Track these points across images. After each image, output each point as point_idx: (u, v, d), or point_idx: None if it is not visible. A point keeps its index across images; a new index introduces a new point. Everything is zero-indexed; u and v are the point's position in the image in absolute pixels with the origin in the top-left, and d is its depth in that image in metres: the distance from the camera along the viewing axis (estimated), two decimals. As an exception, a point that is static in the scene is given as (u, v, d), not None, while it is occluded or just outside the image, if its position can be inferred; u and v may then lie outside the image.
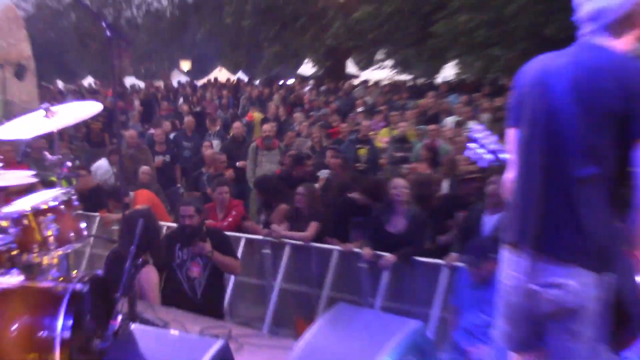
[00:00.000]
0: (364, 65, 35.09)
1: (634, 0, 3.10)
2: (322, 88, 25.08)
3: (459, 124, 13.33)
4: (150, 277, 6.46)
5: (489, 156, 3.83)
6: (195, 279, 7.00)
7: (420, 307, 7.01)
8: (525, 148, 3.24)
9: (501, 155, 3.80)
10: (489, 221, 7.03)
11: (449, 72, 30.94)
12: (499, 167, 3.81)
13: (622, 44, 3.15)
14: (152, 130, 14.80)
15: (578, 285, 3.07)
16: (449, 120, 14.39)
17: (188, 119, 14.97)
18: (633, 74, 3.05)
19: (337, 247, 7.96)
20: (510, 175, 3.39)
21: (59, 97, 23.42)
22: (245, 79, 32.32)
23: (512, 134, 3.36)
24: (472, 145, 3.93)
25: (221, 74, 34.14)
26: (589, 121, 3.05)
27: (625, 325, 3.14)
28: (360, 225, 8.11)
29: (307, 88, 25.33)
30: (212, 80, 31.33)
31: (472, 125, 4.26)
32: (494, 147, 3.84)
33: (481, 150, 3.85)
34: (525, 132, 3.25)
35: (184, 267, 7.00)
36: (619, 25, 3.13)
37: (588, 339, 3.12)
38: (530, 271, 3.17)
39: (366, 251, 7.62)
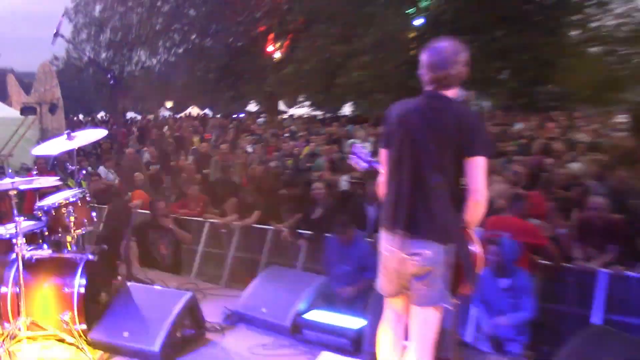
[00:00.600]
0: (291, 104, 35.21)
1: (458, 63, 3.15)
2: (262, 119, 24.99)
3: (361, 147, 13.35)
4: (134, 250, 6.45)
5: (364, 164, 3.87)
6: (164, 253, 7.02)
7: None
8: (398, 164, 3.25)
9: (374, 164, 3.85)
10: (370, 208, 7.08)
11: (347, 109, 31.24)
12: (373, 171, 3.85)
13: (452, 93, 3.21)
14: (145, 149, 14.55)
15: (432, 253, 3.12)
16: (348, 142, 14.50)
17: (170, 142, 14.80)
18: (465, 114, 3.13)
19: (271, 227, 7.93)
20: (381, 180, 3.41)
21: (79, 126, 22.85)
22: (210, 113, 32.09)
23: (383, 152, 3.37)
24: (352, 156, 3.97)
25: (193, 110, 33.81)
26: (437, 146, 3.10)
27: (462, 278, 3.18)
28: (291, 211, 8.08)
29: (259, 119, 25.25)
30: (188, 114, 30.97)
31: (354, 142, 4.32)
32: (368, 159, 3.88)
33: (359, 160, 3.89)
34: (396, 153, 3.26)
35: (156, 244, 7.01)
36: (449, 80, 3.17)
37: (439, 287, 3.17)
38: (401, 245, 3.19)
39: (284, 234, 7.60)
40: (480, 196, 3.08)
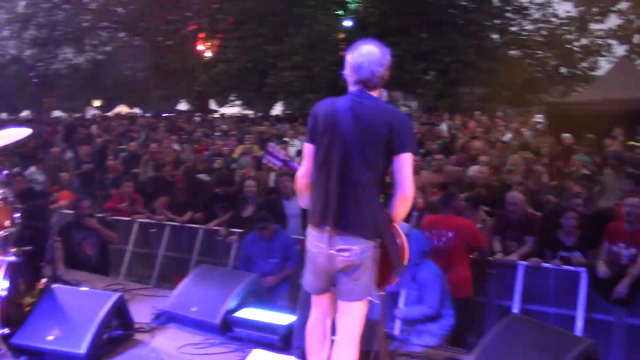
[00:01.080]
0: (222, 103, 34.89)
1: (381, 65, 3.20)
2: (194, 119, 24.63)
3: (284, 142, 13.33)
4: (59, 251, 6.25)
5: (279, 163, 3.88)
6: (90, 254, 6.86)
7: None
8: (325, 161, 3.24)
9: (290, 163, 3.86)
10: (287, 204, 7.18)
11: (278, 109, 31.23)
12: (289, 170, 3.87)
13: (376, 92, 3.27)
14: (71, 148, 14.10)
15: (359, 249, 3.15)
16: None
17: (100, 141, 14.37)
18: (392, 113, 3.18)
19: (202, 227, 7.85)
20: (300, 174, 3.41)
21: (2, 125, 21.89)
22: (139, 112, 31.46)
23: (307, 147, 3.38)
24: (267, 156, 3.98)
25: (122, 109, 33.01)
26: (366, 143, 3.13)
27: (389, 271, 3.23)
28: (223, 210, 8.01)
29: (195, 118, 24.82)
30: (116, 113, 30.23)
31: (270, 144, 4.32)
32: (283, 158, 3.89)
33: (274, 159, 3.90)
34: (323, 150, 3.26)
35: (81, 245, 6.84)
36: (373, 81, 3.22)
37: (365, 282, 3.21)
38: (329, 241, 3.20)
39: (222, 230, 7.54)
40: (408, 191, 3.14)
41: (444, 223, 5.95)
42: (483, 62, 24.76)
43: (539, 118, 17.89)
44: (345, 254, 3.17)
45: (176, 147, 13.60)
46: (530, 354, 3.56)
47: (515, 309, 5.94)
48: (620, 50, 28.64)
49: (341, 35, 24.94)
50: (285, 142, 12.91)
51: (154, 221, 8.32)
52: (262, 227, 6.30)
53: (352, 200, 3.16)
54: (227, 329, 4.66)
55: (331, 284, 3.33)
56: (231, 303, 4.76)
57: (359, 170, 3.14)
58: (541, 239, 6.24)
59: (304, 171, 3.39)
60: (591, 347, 3.43)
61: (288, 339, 4.38)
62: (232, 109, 33.30)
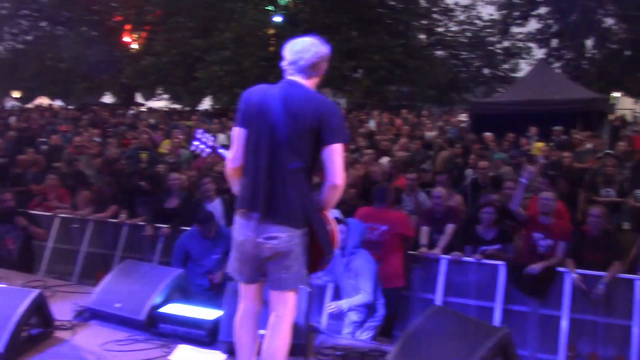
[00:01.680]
0: (149, 96, 34.15)
1: (318, 55, 3.23)
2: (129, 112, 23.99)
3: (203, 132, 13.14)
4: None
5: (208, 150, 3.85)
6: (11, 248, 6.59)
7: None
8: (255, 149, 3.24)
9: (219, 151, 3.84)
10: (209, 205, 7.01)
11: (207, 103, 30.84)
12: (218, 158, 3.85)
13: (311, 83, 3.28)
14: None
15: (287, 237, 3.15)
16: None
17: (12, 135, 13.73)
18: (322, 103, 3.18)
19: (127, 221, 7.67)
20: (230, 160, 3.38)
21: None
22: (61, 104, 30.40)
23: (237, 131, 3.34)
24: (195, 142, 3.94)
25: (44, 100, 31.77)
26: (296, 132, 3.14)
27: (319, 259, 3.26)
28: (146, 204, 7.86)
29: (131, 112, 24.11)
30: (36, 105, 29.07)
31: (197, 129, 4.23)
32: (211, 144, 3.86)
33: (202, 146, 3.86)
34: (253, 138, 3.25)
35: (3, 239, 6.57)
36: (308, 70, 3.25)
37: (295, 271, 3.21)
38: (256, 229, 3.20)
39: (148, 228, 7.39)
40: (338, 180, 3.17)
41: (377, 216, 6.06)
42: (410, 61, 25.27)
43: (463, 117, 18.41)
44: (274, 241, 3.16)
45: (97, 139, 13.24)
46: (450, 343, 3.67)
47: (438, 302, 6.11)
48: (539, 53, 29.85)
49: (271, 31, 24.92)
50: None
51: (76, 216, 8.07)
52: (207, 228, 6.19)
53: (280, 188, 3.16)
54: (153, 325, 4.58)
55: (260, 273, 3.32)
56: (156, 299, 4.68)
57: (288, 158, 3.14)
58: (462, 233, 6.44)
59: (232, 156, 3.36)
60: (506, 336, 3.57)
61: (214, 334, 4.35)
62: (160, 103, 32.66)
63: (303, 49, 3.23)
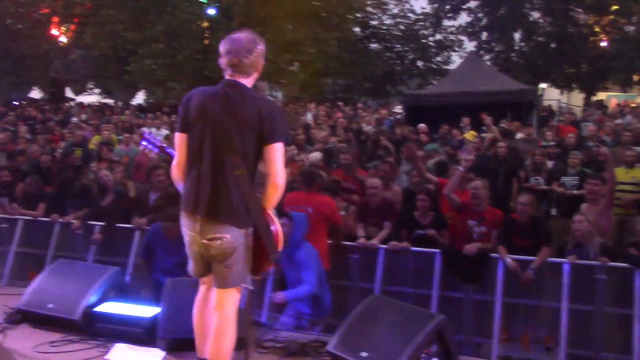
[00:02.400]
0: (79, 91, 33.14)
1: (256, 53, 3.25)
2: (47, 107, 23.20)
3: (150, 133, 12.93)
4: None
5: (155, 149, 3.82)
6: None
7: (121, 258, 6.76)
8: (198, 150, 3.23)
9: (168, 150, 3.81)
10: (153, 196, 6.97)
11: (141, 97, 30.24)
12: (166, 157, 3.82)
13: (250, 81, 3.29)
14: None
15: (231, 238, 3.18)
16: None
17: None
18: (262, 102, 3.21)
19: (59, 220, 7.45)
20: (175, 165, 3.39)
21: None
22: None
23: (178, 136, 3.35)
24: (144, 142, 3.90)
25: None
26: (237, 133, 3.15)
27: (264, 257, 3.27)
28: (78, 203, 7.63)
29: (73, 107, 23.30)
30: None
31: (145, 129, 4.20)
32: (159, 144, 3.83)
33: (150, 145, 3.82)
34: (195, 141, 3.25)
35: None
36: (248, 69, 3.25)
37: (238, 269, 3.24)
38: (201, 230, 3.22)
39: (76, 224, 7.19)
40: (279, 180, 3.21)
41: (304, 199, 6.11)
42: (346, 54, 25.43)
43: (398, 109, 18.67)
44: (217, 242, 3.19)
45: (28, 136, 12.80)
46: (389, 331, 3.75)
47: (377, 291, 6.19)
48: (470, 45, 30.55)
49: (205, 24, 24.57)
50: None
51: (4, 215, 7.78)
52: (168, 227, 6.03)
53: (223, 190, 3.17)
54: (88, 325, 4.48)
55: (208, 269, 3.37)
56: (91, 298, 4.58)
57: (230, 160, 3.16)
58: (399, 219, 6.56)
59: (177, 161, 3.37)
60: (442, 322, 3.68)
61: (153, 332, 4.29)
62: (91, 98, 31.76)
63: (241, 47, 3.23)
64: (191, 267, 3.44)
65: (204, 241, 3.22)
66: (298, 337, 4.49)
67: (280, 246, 3.34)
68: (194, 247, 3.32)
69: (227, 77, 3.28)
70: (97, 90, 32.05)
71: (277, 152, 3.19)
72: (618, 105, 21.32)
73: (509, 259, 5.86)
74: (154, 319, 4.36)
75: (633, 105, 20.29)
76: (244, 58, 3.22)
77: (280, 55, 23.90)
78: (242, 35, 3.26)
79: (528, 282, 5.79)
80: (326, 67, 25.35)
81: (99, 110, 22.48)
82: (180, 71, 22.39)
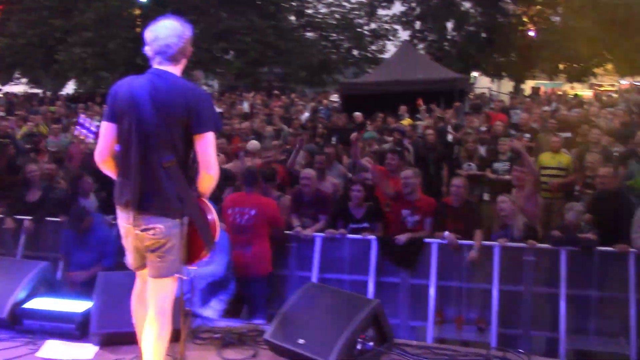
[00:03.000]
0: (5, 81, 31.82)
1: (183, 40, 3.17)
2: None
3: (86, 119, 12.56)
4: None
5: (91, 135, 3.74)
6: None
7: (52, 253, 6.55)
8: (126, 143, 3.17)
9: None
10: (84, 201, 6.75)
11: (71, 87, 29.30)
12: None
13: (178, 69, 3.23)
14: None
15: (164, 228, 3.14)
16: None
17: None
18: (191, 92, 3.14)
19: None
20: (97, 153, 3.30)
21: None
22: None
23: (105, 125, 3.26)
24: (79, 127, 3.81)
25: None
26: (165, 124, 3.09)
27: (199, 246, 3.23)
28: (4, 196, 7.36)
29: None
30: None
31: (82, 115, 4.09)
32: (95, 129, 3.75)
33: (84, 131, 3.74)
34: (123, 132, 3.18)
35: None
36: (175, 57, 3.19)
37: (172, 259, 3.20)
38: (134, 221, 3.17)
39: (8, 221, 6.89)
40: (211, 170, 3.16)
41: (246, 200, 6.05)
42: (281, 43, 25.34)
43: (334, 98, 18.78)
44: (150, 232, 3.16)
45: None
46: (325, 318, 3.78)
47: (314, 279, 6.23)
48: (404, 35, 30.97)
49: (137, 11, 24.00)
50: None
51: None
52: (76, 223, 5.92)
53: (153, 181, 3.13)
54: (17, 322, 4.34)
55: (145, 261, 3.32)
56: (20, 294, 4.43)
57: (160, 151, 3.10)
58: (335, 211, 6.60)
59: (99, 149, 3.29)
60: (377, 307, 3.73)
61: (85, 327, 4.19)
62: (18, 87, 30.56)
63: (167, 35, 3.16)
64: (129, 259, 3.40)
65: (138, 232, 3.18)
66: (235, 327, 4.47)
67: (217, 235, 3.30)
68: (130, 239, 3.28)
69: (154, 65, 3.21)
70: (24, 80, 30.86)
71: (206, 142, 3.13)
72: (545, 93, 22.14)
73: (447, 232, 6.00)
74: (85, 314, 4.26)
75: (559, 92, 21.08)
76: (172, 46, 3.16)
77: (215, 44, 23.65)
78: (168, 23, 3.19)
79: (472, 261, 5.92)
80: (262, 55, 25.18)
81: (27, 100, 21.65)
82: (111, 60, 21.84)
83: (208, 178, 3.19)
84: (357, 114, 12.44)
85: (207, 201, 3.28)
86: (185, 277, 3.33)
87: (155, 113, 3.09)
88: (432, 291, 6.00)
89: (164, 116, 3.09)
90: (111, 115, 3.24)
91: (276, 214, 6.12)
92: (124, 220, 3.25)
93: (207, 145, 3.14)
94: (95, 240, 5.99)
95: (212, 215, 3.26)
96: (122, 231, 3.31)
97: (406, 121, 11.64)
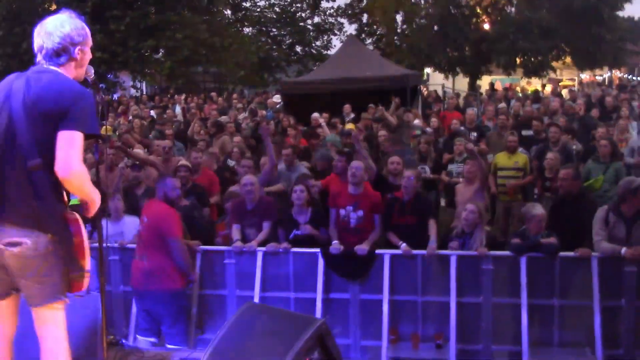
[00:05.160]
0: None
1: (61, 41, 3.07)
2: None
3: None
4: None
5: None
6: None
7: None
8: None
9: None
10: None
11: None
12: None
13: (64, 70, 3.12)
14: None
15: (32, 243, 2.96)
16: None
17: None
18: (67, 88, 3.03)
19: None
20: None
21: None
22: None
23: None
24: None
25: None
26: (34, 123, 2.97)
27: (67, 273, 3.07)
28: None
29: None
30: None
31: None
32: None
33: None
34: None
35: None
36: (57, 55, 3.09)
37: (49, 282, 3.02)
38: None
39: None
40: (66, 172, 2.94)
41: (146, 207, 6.01)
42: (216, 39, 25.16)
43: (277, 98, 18.73)
44: (16, 249, 2.97)
45: None
46: (265, 341, 3.72)
47: (256, 298, 6.16)
48: (350, 29, 31.25)
49: (53, 7, 23.46)
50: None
51: None
52: None
53: (18, 187, 2.98)
54: None
55: (9, 285, 3.11)
56: None
57: (26, 152, 2.97)
58: (278, 219, 6.56)
59: None
60: (322, 326, 3.69)
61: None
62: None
63: (46, 33, 3.07)
64: None
65: (0, 246, 2.99)
66: (165, 354, 4.38)
67: (86, 262, 3.11)
68: None
69: (36, 63, 3.12)
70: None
71: (66, 139, 2.94)
72: (505, 89, 22.64)
73: (403, 243, 6.07)
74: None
75: (517, 88, 21.62)
76: (51, 44, 3.07)
77: (143, 42, 23.29)
78: (56, 18, 3.10)
79: (431, 256, 6.00)
80: (195, 53, 24.94)
81: None
82: (25, 60, 21.21)
83: (64, 182, 2.98)
84: (315, 115, 12.31)
85: (78, 217, 3.11)
86: (67, 301, 3.10)
87: (25, 108, 2.97)
88: (385, 307, 6.02)
89: (34, 112, 2.97)
90: None
91: (168, 224, 5.77)
92: None
93: (66, 143, 2.94)
94: None
95: (79, 237, 3.09)
96: None
97: (350, 125, 11.67)
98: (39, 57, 3.11)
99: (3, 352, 3.20)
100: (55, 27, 3.07)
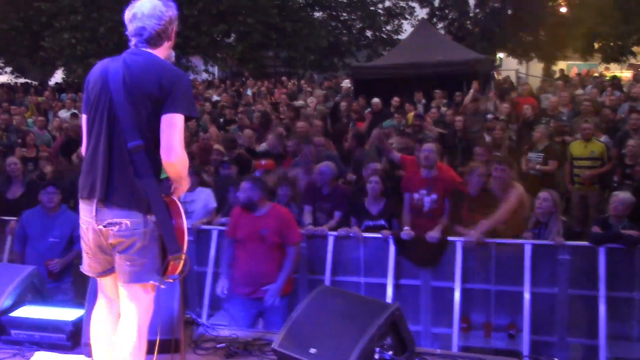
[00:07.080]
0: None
1: (163, 21, 3.13)
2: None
3: (74, 116, 12.58)
4: None
5: None
6: None
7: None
8: (92, 127, 3.12)
9: None
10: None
11: (59, 76, 29.41)
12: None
13: (158, 52, 3.17)
14: None
15: (131, 224, 3.03)
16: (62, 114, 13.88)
17: None
18: (165, 70, 3.07)
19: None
20: (83, 150, 3.26)
21: None
22: None
23: (83, 118, 3.25)
24: None
25: None
26: (135, 105, 3.02)
27: (164, 255, 3.12)
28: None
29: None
30: None
31: None
32: None
33: None
34: (90, 116, 3.14)
35: None
36: (159, 38, 3.15)
37: (143, 262, 3.08)
38: (96, 215, 3.06)
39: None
40: (171, 156, 3.02)
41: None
42: (287, 24, 25.27)
43: (346, 82, 18.70)
44: (115, 228, 3.04)
45: None
46: (339, 324, 3.75)
47: (327, 281, 6.20)
48: (422, 13, 30.78)
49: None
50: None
51: None
52: (49, 197, 6.08)
53: (120, 169, 3.05)
54: (3, 332, 4.35)
55: (110, 263, 3.20)
56: (5, 302, 4.43)
57: (127, 135, 3.03)
58: (349, 207, 6.57)
59: (84, 145, 3.24)
60: (396, 312, 3.70)
61: (77, 337, 4.19)
62: (1, 77, 30.73)
63: (144, 16, 3.11)
64: (85, 264, 3.27)
65: (100, 227, 3.07)
66: (241, 336, 4.46)
67: (185, 244, 3.16)
68: (90, 235, 3.14)
69: (132, 47, 3.17)
70: (8, 69, 31.00)
71: (170, 123, 3.01)
72: (578, 75, 21.91)
73: (473, 231, 5.94)
74: (77, 323, 4.25)
75: (595, 74, 20.90)
76: (146, 28, 3.11)
77: (214, 26, 23.61)
78: (147, 2, 3.14)
79: (478, 243, 5.90)
80: (266, 38, 25.12)
81: (11, 90, 21.78)
82: (102, 45, 21.86)
83: (167, 165, 3.05)
84: (376, 100, 12.32)
85: (176, 200, 3.18)
86: (163, 286, 3.16)
87: (125, 92, 3.03)
88: (457, 294, 5.96)
89: (134, 95, 3.02)
90: (85, 105, 3.22)
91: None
92: (85, 213, 3.13)
93: (170, 127, 3.01)
94: (60, 224, 6.11)
95: (179, 219, 3.15)
96: (83, 227, 3.18)
97: (410, 115, 11.55)
98: (134, 41, 3.14)
99: (110, 323, 3.30)
100: (155, 9, 3.11)
